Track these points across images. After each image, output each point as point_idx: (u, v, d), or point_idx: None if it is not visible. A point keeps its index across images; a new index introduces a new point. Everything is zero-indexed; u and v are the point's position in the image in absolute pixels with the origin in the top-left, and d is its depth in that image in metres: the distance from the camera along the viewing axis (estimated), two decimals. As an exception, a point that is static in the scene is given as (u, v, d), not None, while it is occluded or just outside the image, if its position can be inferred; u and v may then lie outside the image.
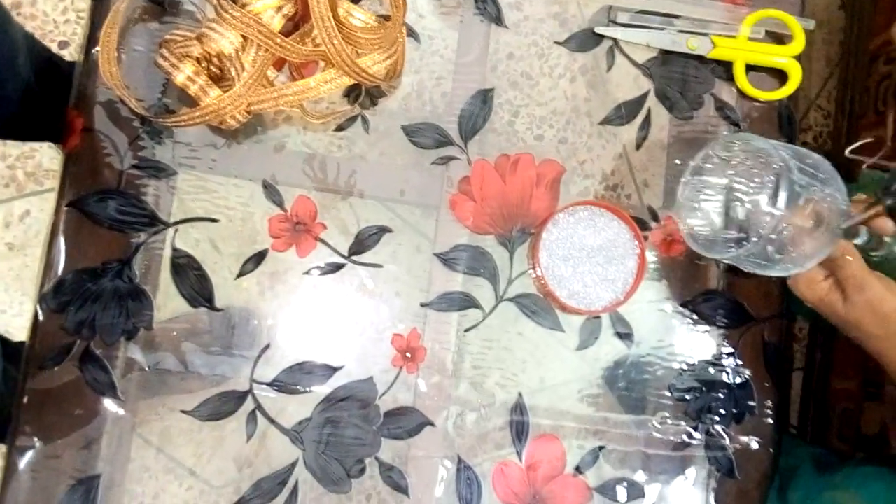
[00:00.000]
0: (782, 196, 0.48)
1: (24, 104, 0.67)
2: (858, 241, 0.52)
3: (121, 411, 0.58)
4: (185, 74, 0.55)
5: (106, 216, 0.59)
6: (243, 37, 0.55)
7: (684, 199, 0.57)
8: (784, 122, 0.67)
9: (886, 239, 0.53)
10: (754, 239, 0.50)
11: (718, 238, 0.56)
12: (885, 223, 0.52)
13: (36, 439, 0.56)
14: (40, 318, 0.58)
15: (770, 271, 0.52)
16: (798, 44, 0.65)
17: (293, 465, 0.59)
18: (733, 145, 0.55)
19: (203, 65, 0.57)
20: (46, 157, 1.09)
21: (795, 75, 0.66)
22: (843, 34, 1.17)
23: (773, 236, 0.50)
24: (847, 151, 0.53)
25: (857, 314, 0.51)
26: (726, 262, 0.57)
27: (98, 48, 0.59)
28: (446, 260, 0.62)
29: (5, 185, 1.08)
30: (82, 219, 0.59)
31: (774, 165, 0.50)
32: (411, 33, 0.64)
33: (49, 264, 0.58)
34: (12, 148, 1.09)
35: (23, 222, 1.08)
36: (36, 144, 1.09)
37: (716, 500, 0.62)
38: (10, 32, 0.62)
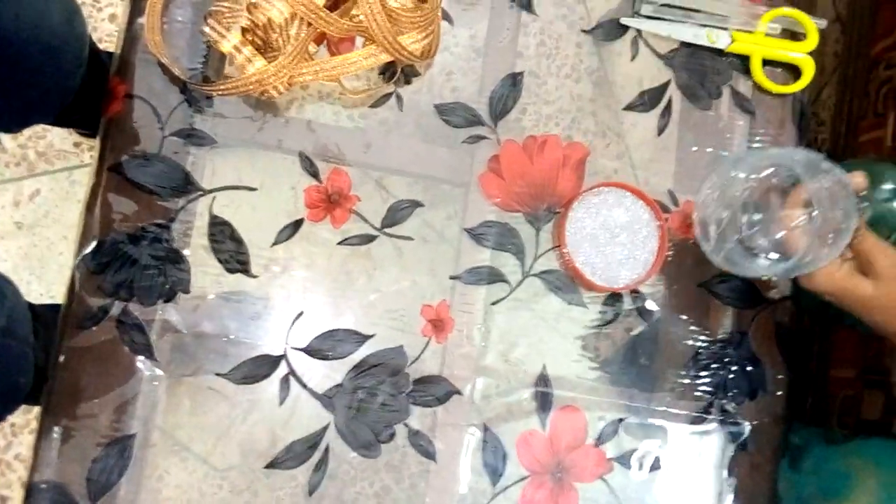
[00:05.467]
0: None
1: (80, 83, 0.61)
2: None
3: (157, 372, 0.59)
4: (232, 43, 0.57)
5: (145, 181, 0.60)
6: (288, 11, 0.57)
7: (707, 212, 0.56)
8: (797, 115, 0.70)
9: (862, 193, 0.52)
10: (794, 259, 0.50)
11: (743, 254, 0.55)
12: (857, 179, 0.50)
13: (72, 398, 0.57)
14: (77, 278, 0.58)
15: (789, 275, 0.52)
16: (812, 40, 0.69)
17: (324, 429, 0.60)
18: (762, 164, 0.54)
19: (248, 36, 0.59)
20: (58, 137, 1.09)
21: (809, 70, 0.69)
22: (838, 45, 1.21)
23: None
24: None
25: (889, 286, 0.48)
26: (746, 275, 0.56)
27: (142, 18, 0.60)
28: (475, 235, 0.64)
29: (16, 164, 1.08)
30: (122, 182, 0.60)
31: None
32: (445, 16, 0.66)
33: (88, 226, 0.59)
34: (24, 128, 1.09)
35: (32, 202, 1.08)
36: (47, 125, 1.09)
37: (729, 473, 0.65)
38: None
